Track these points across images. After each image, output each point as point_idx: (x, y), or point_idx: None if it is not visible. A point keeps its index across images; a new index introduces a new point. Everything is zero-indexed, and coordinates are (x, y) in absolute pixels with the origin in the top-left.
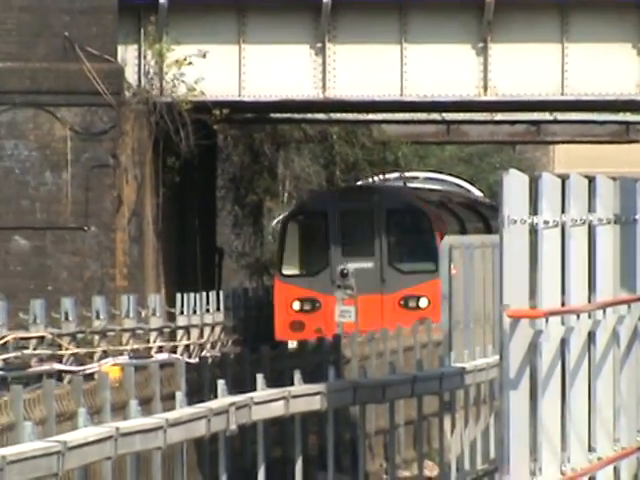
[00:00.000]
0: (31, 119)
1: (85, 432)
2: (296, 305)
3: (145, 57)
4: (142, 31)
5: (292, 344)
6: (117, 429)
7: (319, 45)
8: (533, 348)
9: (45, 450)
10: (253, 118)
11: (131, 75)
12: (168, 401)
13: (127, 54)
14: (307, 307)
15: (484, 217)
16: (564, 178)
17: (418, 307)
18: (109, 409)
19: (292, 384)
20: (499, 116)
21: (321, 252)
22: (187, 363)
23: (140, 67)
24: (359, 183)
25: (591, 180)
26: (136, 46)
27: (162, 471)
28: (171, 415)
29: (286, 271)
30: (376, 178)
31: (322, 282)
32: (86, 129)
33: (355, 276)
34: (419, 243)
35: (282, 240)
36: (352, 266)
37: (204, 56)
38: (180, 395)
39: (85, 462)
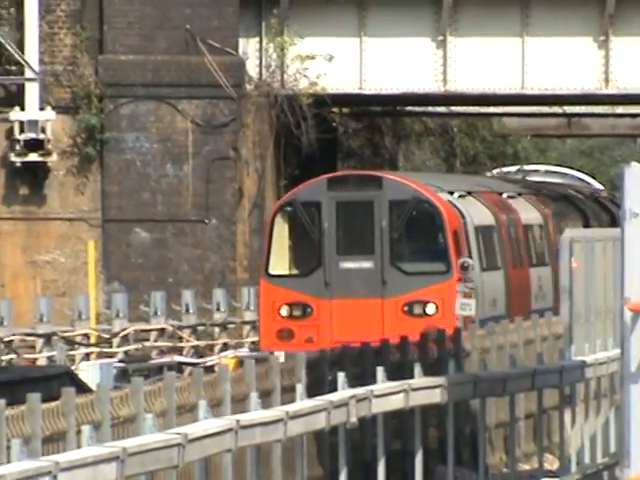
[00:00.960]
0: (152, 112)
1: (205, 424)
2: (284, 310)
3: (266, 50)
4: (263, 24)
5: (280, 356)
6: (237, 421)
7: (440, 38)
8: None
9: (166, 442)
10: (374, 111)
11: (252, 68)
12: (288, 394)
13: (248, 47)
14: (297, 313)
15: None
16: None
17: (425, 314)
18: (229, 401)
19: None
20: (620, 109)
21: (313, 249)
22: (307, 356)
23: (261, 60)
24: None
25: None
26: (257, 39)
27: (282, 463)
28: (291, 408)
29: (273, 271)
30: (495, 171)
31: (314, 284)
32: (207, 122)
33: (354, 276)
34: (427, 240)
35: (269, 235)
36: (349, 265)
37: (330, 60)
38: (300, 388)
39: (205, 454)
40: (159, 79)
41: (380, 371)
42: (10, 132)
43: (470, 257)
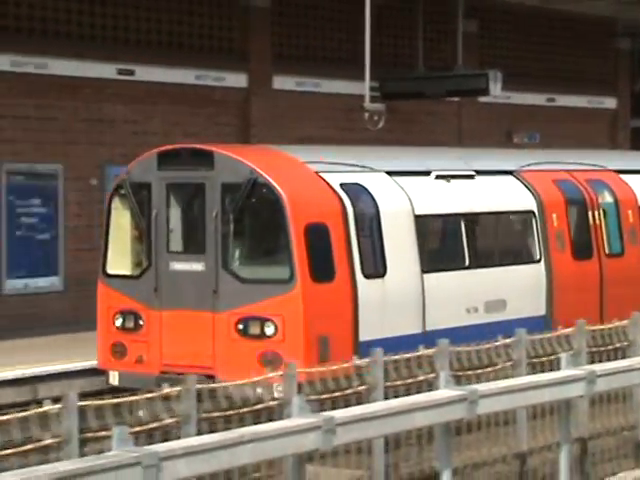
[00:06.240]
0: None
1: None
2: (118, 320)
3: None
4: None
5: (114, 378)
6: None
7: None
8: None
9: None
10: None
11: None
12: None
13: None
14: (129, 324)
15: None
16: None
17: (263, 335)
18: None
19: None
20: None
21: (145, 245)
22: None
23: None
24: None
25: None
26: None
27: None
28: None
29: (111, 270)
30: None
31: (145, 289)
32: None
33: (185, 281)
34: (268, 238)
35: (106, 225)
36: (179, 267)
37: None
38: None
39: None
40: None
41: None
42: None
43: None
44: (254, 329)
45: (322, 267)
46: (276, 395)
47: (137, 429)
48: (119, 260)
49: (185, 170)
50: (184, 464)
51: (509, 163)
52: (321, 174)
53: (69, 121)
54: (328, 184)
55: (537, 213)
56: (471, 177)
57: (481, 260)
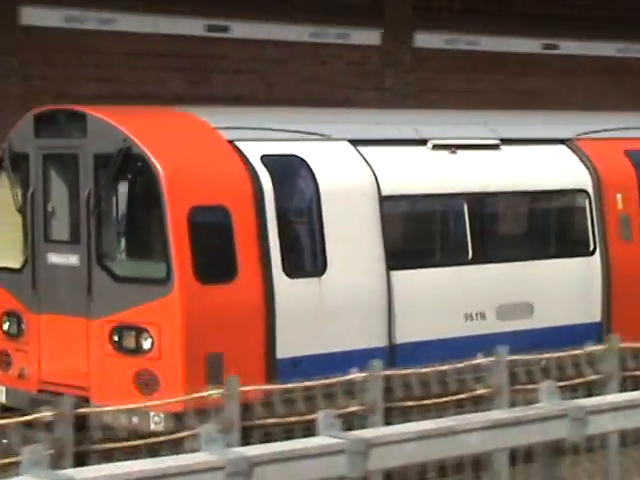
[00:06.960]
0: None
1: None
2: (5, 324)
3: None
4: None
5: (1, 394)
6: None
7: None
8: None
9: None
10: None
11: None
12: None
13: None
14: (13, 329)
15: None
16: None
17: (139, 349)
18: None
19: None
20: None
21: (24, 231)
22: None
23: None
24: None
25: None
26: None
27: None
28: None
29: (0, 261)
30: None
31: (25, 285)
32: None
33: (61, 278)
34: (146, 225)
35: None
36: (55, 260)
37: None
38: None
39: None
40: None
41: None
42: None
43: (266, 256)
44: (129, 342)
45: (215, 263)
46: (153, 427)
47: (561, 384)
48: (6, 250)
49: (61, 137)
50: (609, 419)
51: (562, 129)
52: (236, 143)
53: (496, 94)
54: (241, 156)
55: (592, 193)
56: (494, 147)
57: (493, 253)
